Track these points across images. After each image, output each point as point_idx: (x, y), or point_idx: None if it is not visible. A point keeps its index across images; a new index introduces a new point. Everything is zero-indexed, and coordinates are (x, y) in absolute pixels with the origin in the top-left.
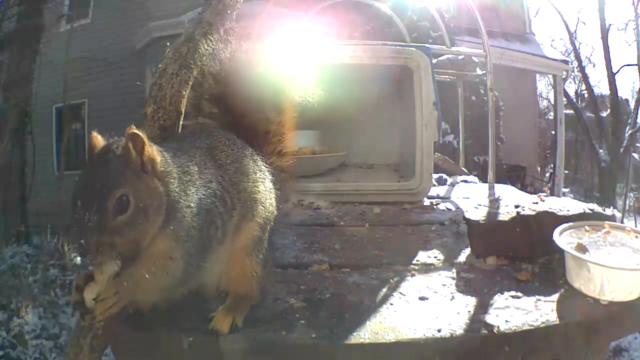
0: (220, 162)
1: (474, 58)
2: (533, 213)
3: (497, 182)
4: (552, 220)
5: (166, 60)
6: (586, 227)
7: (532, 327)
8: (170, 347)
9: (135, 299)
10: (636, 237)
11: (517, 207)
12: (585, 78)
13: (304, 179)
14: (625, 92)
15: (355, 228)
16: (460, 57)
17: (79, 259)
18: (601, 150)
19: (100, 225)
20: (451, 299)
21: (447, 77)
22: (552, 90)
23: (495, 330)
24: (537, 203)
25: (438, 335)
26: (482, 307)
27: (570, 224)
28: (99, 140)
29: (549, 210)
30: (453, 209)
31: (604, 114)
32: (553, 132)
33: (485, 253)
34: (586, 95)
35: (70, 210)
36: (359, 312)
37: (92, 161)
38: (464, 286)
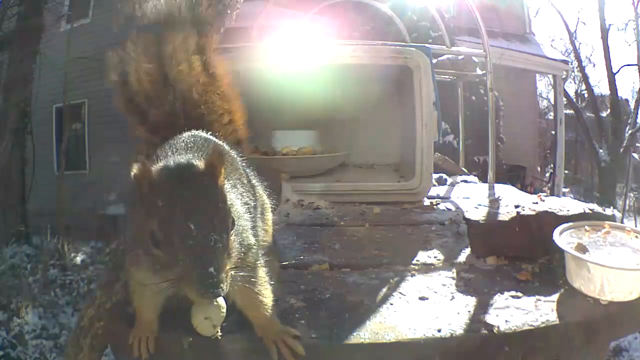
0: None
1: (474, 58)
2: (533, 213)
3: (497, 182)
4: (552, 220)
5: None
6: (586, 227)
7: (532, 327)
8: (170, 347)
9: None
10: (636, 237)
11: (517, 207)
12: (585, 78)
13: (304, 179)
14: (625, 92)
15: (355, 228)
16: (460, 57)
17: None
18: (601, 150)
19: (225, 249)
20: (451, 299)
21: (447, 77)
22: (552, 90)
23: (495, 330)
24: (537, 203)
25: (438, 335)
26: (482, 307)
27: (570, 224)
28: (147, 167)
29: (549, 210)
30: (453, 209)
31: (604, 114)
32: (553, 132)
33: (485, 253)
34: (586, 95)
35: (179, 237)
36: (359, 312)
37: (182, 182)
38: (464, 286)
